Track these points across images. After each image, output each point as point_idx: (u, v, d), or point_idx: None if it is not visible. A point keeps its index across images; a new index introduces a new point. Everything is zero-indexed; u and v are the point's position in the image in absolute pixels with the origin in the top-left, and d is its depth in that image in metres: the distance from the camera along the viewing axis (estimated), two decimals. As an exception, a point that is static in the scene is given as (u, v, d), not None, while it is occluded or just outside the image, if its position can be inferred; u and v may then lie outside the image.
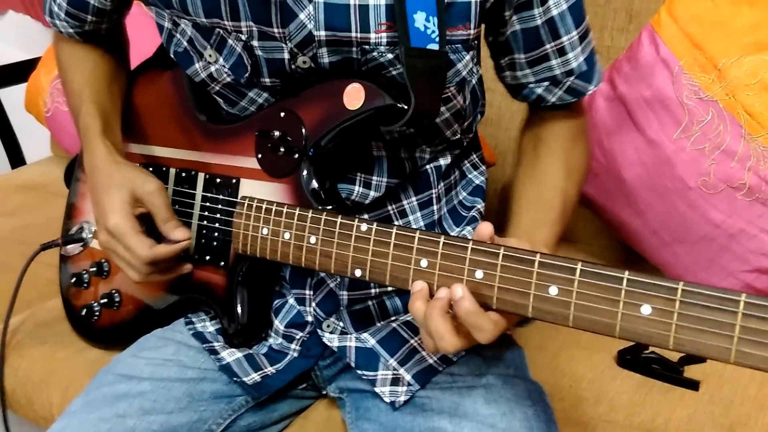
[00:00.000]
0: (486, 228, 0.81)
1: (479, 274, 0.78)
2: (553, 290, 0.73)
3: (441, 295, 0.80)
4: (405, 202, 1.12)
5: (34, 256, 1.35)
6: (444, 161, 1.15)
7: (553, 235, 1.03)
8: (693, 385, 1.25)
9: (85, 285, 1.33)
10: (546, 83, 1.09)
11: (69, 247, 1.34)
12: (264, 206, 1.00)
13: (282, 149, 1.03)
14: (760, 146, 1.28)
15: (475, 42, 1.02)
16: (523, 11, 1.02)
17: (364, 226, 0.88)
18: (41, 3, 1.26)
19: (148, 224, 1.09)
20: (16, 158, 2.65)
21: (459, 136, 1.15)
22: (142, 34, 1.48)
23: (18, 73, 2.47)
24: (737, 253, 1.35)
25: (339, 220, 0.90)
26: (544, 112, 1.15)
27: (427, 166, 1.13)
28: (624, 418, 1.20)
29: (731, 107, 1.30)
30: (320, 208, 0.98)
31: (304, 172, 1.02)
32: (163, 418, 1.05)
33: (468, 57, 1.02)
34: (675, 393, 1.25)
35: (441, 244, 0.81)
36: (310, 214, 0.94)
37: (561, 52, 1.06)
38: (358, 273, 0.89)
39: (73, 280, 1.34)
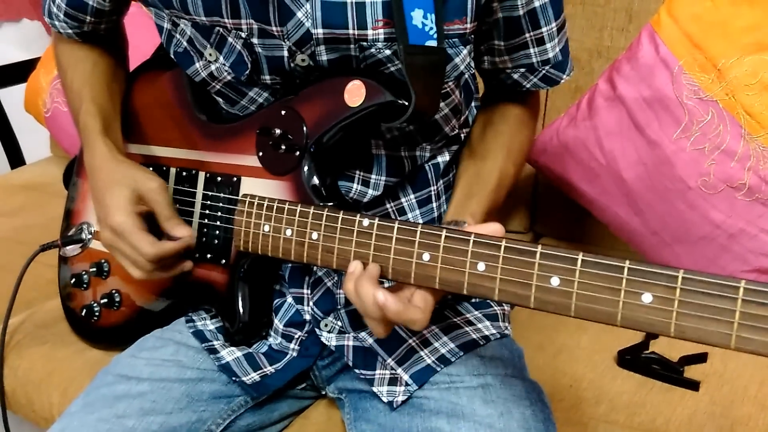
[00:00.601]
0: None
1: (481, 266, 0.78)
2: (555, 281, 0.73)
3: (356, 270, 0.87)
4: (403, 199, 1.12)
5: (33, 257, 1.35)
6: (442, 159, 1.15)
7: (481, 207, 1.05)
8: (693, 385, 1.25)
9: (85, 285, 1.33)
10: (522, 69, 1.11)
11: (68, 247, 1.34)
12: (265, 203, 1.00)
13: (283, 147, 1.03)
14: (760, 146, 1.28)
15: (472, 36, 1.03)
16: (507, 0, 1.03)
17: (366, 221, 0.88)
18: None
19: (149, 222, 1.09)
20: (16, 158, 2.65)
21: (457, 131, 1.15)
22: (141, 35, 1.48)
23: (17, 73, 2.47)
24: (737, 253, 1.34)
25: (341, 215, 0.90)
26: (499, 96, 1.17)
27: (425, 165, 1.14)
28: (624, 418, 1.20)
29: (731, 107, 1.30)
30: (321, 204, 0.98)
31: (305, 170, 1.02)
32: (162, 418, 1.05)
33: (465, 51, 1.03)
34: (675, 393, 1.24)
35: (443, 237, 0.81)
36: (312, 210, 0.94)
37: (539, 41, 1.07)
38: None
39: (73, 280, 1.34)
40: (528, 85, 1.12)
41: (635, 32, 1.46)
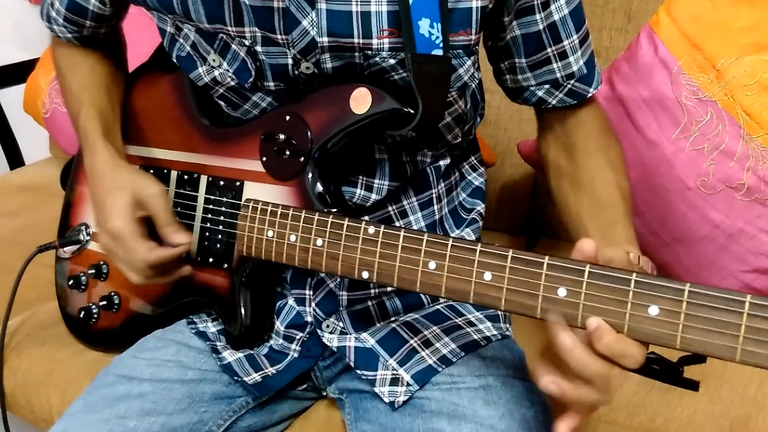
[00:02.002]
0: (588, 246, 0.78)
1: (488, 276, 0.78)
2: (562, 292, 0.74)
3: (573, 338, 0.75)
4: (405, 202, 1.12)
5: (30, 259, 1.34)
6: (444, 162, 1.15)
7: (631, 230, 1.00)
8: (693, 385, 1.25)
9: (83, 287, 1.32)
10: (547, 86, 1.10)
11: (66, 249, 1.34)
12: (269, 209, 1.00)
13: (287, 152, 1.03)
14: (759, 146, 1.29)
15: (476, 47, 1.03)
16: (524, 16, 1.03)
17: (371, 229, 0.88)
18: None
19: (148, 227, 1.09)
20: (15, 159, 2.63)
21: (460, 139, 1.15)
22: (140, 36, 1.47)
23: (17, 73, 2.46)
24: (736, 253, 1.35)
25: (346, 222, 0.91)
26: (565, 117, 1.13)
27: (427, 168, 1.14)
28: (624, 418, 1.20)
29: (730, 107, 1.30)
30: (326, 210, 0.98)
31: (309, 176, 1.02)
32: (163, 419, 1.05)
33: (469, 62, 1.03)
34: (675, 393, 1.25)
35: (449, 246, 0.81)
36: (316, 217, 0.94)
37: (562, 55, 1.06)
38: (365, 275, 0.89)
39: (71, 282, 1.33)
40: (554, 102, 1.10)
41: (634, 32, 1.46)
